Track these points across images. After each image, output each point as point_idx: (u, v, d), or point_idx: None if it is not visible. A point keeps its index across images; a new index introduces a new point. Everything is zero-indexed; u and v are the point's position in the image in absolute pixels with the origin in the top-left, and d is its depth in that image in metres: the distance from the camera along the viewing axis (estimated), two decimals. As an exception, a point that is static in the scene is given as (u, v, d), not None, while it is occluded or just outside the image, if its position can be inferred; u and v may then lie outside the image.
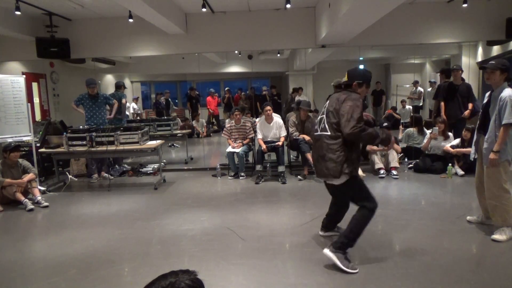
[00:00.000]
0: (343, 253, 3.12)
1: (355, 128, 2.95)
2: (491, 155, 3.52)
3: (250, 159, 7.30)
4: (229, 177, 6.61)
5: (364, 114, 3.13)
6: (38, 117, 7.99)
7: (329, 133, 3.13)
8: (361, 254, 3.44)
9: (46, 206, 5.22)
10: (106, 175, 6.80)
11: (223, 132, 7.09)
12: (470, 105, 6.45)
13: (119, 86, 7.66)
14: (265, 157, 6.63)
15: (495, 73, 3.54)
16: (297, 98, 8.54)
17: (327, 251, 3.15)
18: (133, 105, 11.17)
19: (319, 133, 3.23)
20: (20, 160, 5.49)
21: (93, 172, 6.75)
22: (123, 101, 7.53)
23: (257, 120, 7.36)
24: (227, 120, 9.20)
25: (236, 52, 8.98)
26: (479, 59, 8.75)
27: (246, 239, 3.86)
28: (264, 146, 6.29)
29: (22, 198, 5.22)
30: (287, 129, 6.64)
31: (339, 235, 3.27)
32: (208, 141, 10.85)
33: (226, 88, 11.72)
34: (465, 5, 6.33)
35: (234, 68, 10.51)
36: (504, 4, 6.65)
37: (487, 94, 3.76)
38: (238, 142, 6.74)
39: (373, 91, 10.48)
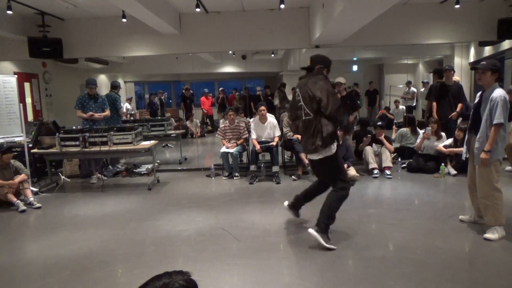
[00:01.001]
0: (325, 233, 3.51)
1: (334, 107, 3.34)
2: (482, 155, 3.56)
3: (244, 159, 7.29)
4: (223, 178, 6.61)
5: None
6: (30, 117, 7.93)
7: (312, 116, 3.44)
8: (354, 253, 3.46)
9: (39, 207, 5.17)
10: (100, 175, 6.75)
11: (217, 132, 7.07)
12: (459, 106, 6.49)
13: (116, 86, 7.51)
14: (259, 157, 6.63)
15: (486, 73, 3.58)
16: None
17: (312, 231, 3.50)
18: (127, 105, 11.12)
19: (304, 118, 3.51)
20: (12, 161, 5.43)
21: (92, 172, 6.68)
22: (120, 111, 7.45)
23: (251, 120, 7.36)
24: (221, 120, 9.18)
25: (230, 52, 8.98)
26: (471, 59, 8.84)
27: (240, 239, 3.86)
28: (258, 146, 6.30)
29: (14, 199, 5.16)
30: (281, 129, 6.64)
31: (320, 217, 3.56)
32: (202, 141, 10.83)
33: (220, 88, 11.72)
34: (457, 6, 6.39)
35: (228, 68, 10.50)
36: (496, 5, 6.72)
37: (478, 94, 3.80)
38: (232, 142, 6.74)
39: (367, 91, 10.54)
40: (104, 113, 6.72)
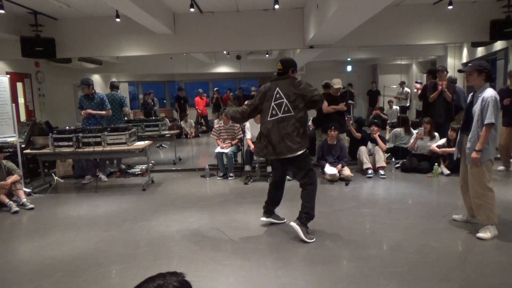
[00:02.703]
0: (306, 227, 3.73)
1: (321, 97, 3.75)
2: (473, 154, 3.59)
3: (239, 159, 7.29)
4: (218, 178, 6.60)
5: None
6: (23, 117, 7.85)
7: (293, 113, 3.66)
8: (349, 253, 3.48)
9: (32, 208, 5.13)
10: (102, 176, 6.69)
11: (212, 132, 7.07)
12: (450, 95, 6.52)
13: (117, 86, 7.41)
14: (254, 157, 6.63)
15: (473, 74, 3.63)
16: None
17: (294, 224, 3.72)
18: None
19: (281, 115, 3.68)
20: (4, 162, 5.38)
21: (88, 173, 6.65)
22: (125, 110, 7.37)
23: (245, 120, 7.36)
24: (215, 121, 9.18)
25: (225, 52, 8.97)
26: (464, 60, 8.92)
27: (235, 239, 3.86)
28: (252, 146, 6.29)
29: (7, 200, 5.11)
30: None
31: (301, 211, 3.77)
32: (197, 141, 10.81)
33: (215, 89, 11.70)
34: (450, 7, 6.44)
35: (223, 69, 10.49)
36: (488, 7, 6.78)
37: (470, 94, 3.84)
38: (226, 142, 6.73)
39: (369, 91, 10.59)
40: (101, 112, 6.60)
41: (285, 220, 4.23)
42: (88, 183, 6.50)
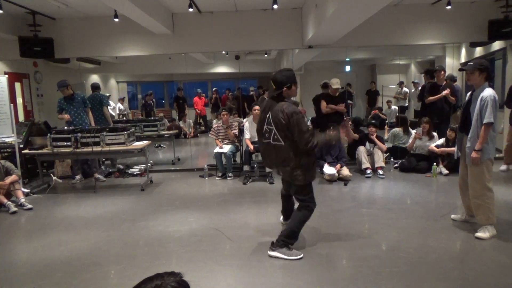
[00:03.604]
0: (286, 247, 3.39)
1: (308, 143, 3.20)
2: (473, 154, 3.60)
3: (238, 159, 7.29)
4: (217, 178, 6.60)
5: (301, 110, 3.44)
6: (21, 117, 7.84)
7: (283, 143, 3.28)
8: (347, 253, 3.48)
9: (30, 209, 5.12)
10: (99, 176, 6.68)
11: (211, 132, 7.06)
12: (447, 91, 6.53)
13: (97, 87, 7.43)
14: (253, 157, 6.63)
15: (474, 73, 3.63)
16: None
17: (270, 253, 3.41)
18: (119, 105, 11.05)
19: (272, 142, 3.35)
20: (2, 162, 5.37)
21: (76, 172, 6.65)
22: (105, 109, 7.32)
23: (244, 120, 7.36)
24: (214, 121, 9.17)
25: (223, 52, 8.97)
26: (463, 60, 8.93)
27: (234, 239, 3.86)
28: (251, 147, 6.30)
29: (5, 200, 5.10)
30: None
31: (281, 234, 3.45)
32: (196, 141, 10.80)
33: (214, 89, 11.69)
34: (448, 7, 6.44)
35: (221, 69, 10.48)
36: (487, 7, 6.79)
37: (468, 94, 3.84)
38: (225, 142, 6.73)
39: (368, 91, 10.60)
40: (91, 119, 6.71)
41: None
42: (77, 183, 6.50)
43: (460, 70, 4.02)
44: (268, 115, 3.37)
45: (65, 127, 6.33)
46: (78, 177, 6.64)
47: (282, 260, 3.36)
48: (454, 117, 6.86)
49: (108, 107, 7.54)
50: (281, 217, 4.15)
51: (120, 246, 3.81)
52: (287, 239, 3.41)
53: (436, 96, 6.50)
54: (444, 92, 6.48)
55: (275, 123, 3.28)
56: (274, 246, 3.42)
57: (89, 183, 6.52)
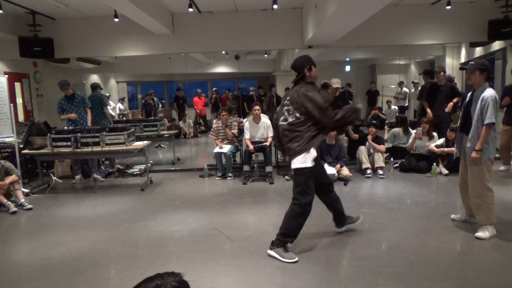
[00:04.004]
0: (282, 247, 3.36)
1: (332, 118, 3.20)
2: (473, 154, 3.60)
3: (238, 159, 7.29)
4: (217, 178, 6.60)
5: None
6: (21, 117, 7.84)
7: (293, 119, 3.33)
8: (347, 253, 3.48)
9: (30, 209, 5.12)
10: (97, 176, 6.68)
11: (210, 132, 7.06)
12: (455, 99, 6.55)
13: (96, 87, 7.46)
14: (253, 157, 6.63)
15: (475, 73, 3.62)
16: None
17: (269, 252, 3.41)
18: (119, 105, 11.05)
19: (284, 123, 3.41)
20: (2, 162, 5.37)
21: (76, 172, 6.66)
22: (105, 109, 7.33)
23: (244, 120, 7.36)
24: (214, 121, 9.17)
25: (223, 52, 8.97)
26: (463, 60, 8.93)
27: (233, 239, 3.85)
28: (251, 147, 6.30)
29: (5, 200, 5.10)
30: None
31: (277, 233, 3.43)
32: (195, 141, 10.80)
33: (214, 89, 11.69)
34: (448, 7, 6.45)
35: (221, 69, 10.49)
36: (486, 7, 6.79)
37: (469, 94, 3.84)
38: (225, 142, 6.73)
39: (368, 91, 10.60)
40: (89, 119, 6.71)
41: (361, 218, 3.93)
42: (77, 183, 6.50)
43: (460, 69, 4.02)
44: (287, 97, 3.45)
45: (65, 127, 6.34)
46: (78, 177, 6.65)
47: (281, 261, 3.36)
48: (454, 117, 6.86)
49: (108, 107, 7.54)
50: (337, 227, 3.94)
51: (120, 246, 3.81)
52: (282, 237, 3.38)
53: (449, 107, 6.52)
54: (449, 105, 6.51)
55: (291, 102, 3.35)
56: (272, 245, 3.42)
57: (89, 183, 6.52)
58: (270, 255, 3.40)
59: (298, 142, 3.30)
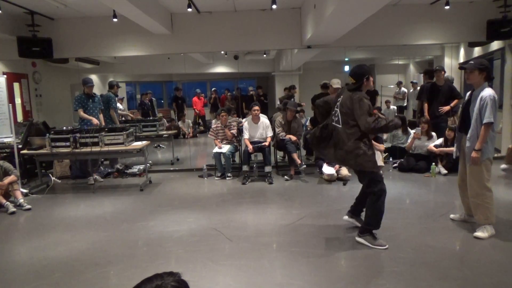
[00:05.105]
0: (370, 235, 3.59)
1: (368, 124, 3.40)
2: (473, 154, 3.60)
3: (237, 159, 7.29)
4: (216, 178, 6.59)
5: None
6: (20, 118, 7.82)
7: (340, 126, 3.56)
8: (346, 252, 3.48)
9: (29, 209, 5.11)
10: (96, 176, 6.66)
11: (210, 132, 7.06)
12: (454, 101, 6.55)
13: (112, 86, 7.47)
14: (252, 157, 6.63)
15: (474, 72, 3.63)
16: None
17: (357, 239, 3.67)
18: (119, 105, 11.02)
19: (335, 124, 3.64)
20: (1, 162, 5.36)
21: (90, 174, 6.56)
22: (111, 111, 7.29)
23: (243, 120, 7.36)
24: (213, 121, 9.17)
25: (222, 52, 8.96)
26: (461, 60, 8.94)
27: (233, 239, 3.85)
28: (250, 147, 6.29)
29: (4, 201, 5.09)
30: (273, 129, 6.65)
31: (363, 222, 3.71)
32: (194, 141, 10.80)
33: (213, 89, 11.69)
34: (447, 7, 6.45)
35: (220, 69, 10.48)
36: (485, 7, 6.80)
37: (468, 93, 3.84)
38: (224, 142, 6.73)
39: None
40: (101, 119, 6.76)
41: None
42: (94, 183, 6.41)
43: (460, 68, 4.02)
44: (339, 99, 3.65)
45: (79, 126, 6.34)
46: (93, 177, 6.51)
47: (281, 260, 3.36)
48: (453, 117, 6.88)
49: (118, 109, 7.54)
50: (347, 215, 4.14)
51: (119, 246, 3.80)
52: (366, 225, 3.62)
53: (445, 109, 6.53)
54: (445, 108, 6.51)
55: (341, 106, 3.57)
56: (360, 232, 3.65)
57: (87, 184, 6.50)
58: (359, 242, 3.61)
59: (345, 151, 3.53)
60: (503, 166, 6.37)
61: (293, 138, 6.35)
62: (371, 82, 3.63)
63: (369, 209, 3.63)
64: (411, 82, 9.56)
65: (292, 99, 7.85)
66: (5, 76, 6.20)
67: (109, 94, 7.38)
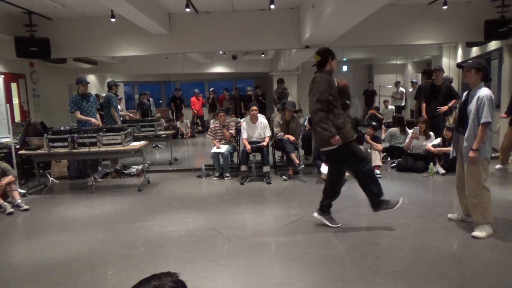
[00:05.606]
0: (386, 204, 3.87)
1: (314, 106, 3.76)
2: (470, 153, 3.61)
3: (235, 159, 7.29)
4: (214, 178, 6.59)
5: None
6: (17, 118, 7.80)
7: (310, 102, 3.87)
8: (345, 252, 3.48)
9: (27, 209, 5.09)
10: (95, 177, 6.63)
11: (208, 132, 7.06)
12: (452, 101, 6.56)
13: (110, 86, 7.43)
14: (250, 157, 6.63)
15: (471, 71, 3.64)
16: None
17: (375, 212, 3.93)
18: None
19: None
20: (-2, 163, 5.35)
21: (89, 174, 6.53)
22: (112, 110, 7.21)
23: (241, 120, 7.36)
24: (211, 121, 9.16)
25: (221, 52, 8.96)
26: (459, 60, 8.96)
27: (231, 239, 3.85)
28: (248, 147, 6.29)
29: (1, 201, 5.07)
30: (271, 129, 6.66)
31: (370, 199, 3.91)
32: (193, 141, 10.79)
33: (211, 89, 11.68)
34: (445, 7, 6.46)
35: (219, 69, 10.48)
36: (483, 7, 6.82)
37: (465, 93, 3.85)
38: (223, 142, 6.73)
39: (365, 91, 10.62)
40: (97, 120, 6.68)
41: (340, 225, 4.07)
42: (93, 184, 6.38)
43: (457, 66, 4.03)
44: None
45: (77, 126, 6.30)
46: (92, 178, 6.45)
47: (280, 260, 3.36)
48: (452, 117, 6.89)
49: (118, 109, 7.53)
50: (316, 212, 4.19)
51: (117, 246, 3.80)
52: (375, 197, 3.85)
53: (443, 109, 6.55)
54: (443, 108, 6.53)
55: (310, 88, 3.89)
56: (375, 208, 3.89)
57: (87, 184, 6.49)
58: (377, 212, 3.91)
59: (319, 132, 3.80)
60: (498, 166, 6.39)
61: (292, 138, 6.35)
62: (335, 63, 3.91)
63: (364, 182, 3.87)
64: (411, 81, 9.57)
65: (289, 99, 7.85)
66: (2, 76, 6.19)
67: (109, 94, 7.35)
